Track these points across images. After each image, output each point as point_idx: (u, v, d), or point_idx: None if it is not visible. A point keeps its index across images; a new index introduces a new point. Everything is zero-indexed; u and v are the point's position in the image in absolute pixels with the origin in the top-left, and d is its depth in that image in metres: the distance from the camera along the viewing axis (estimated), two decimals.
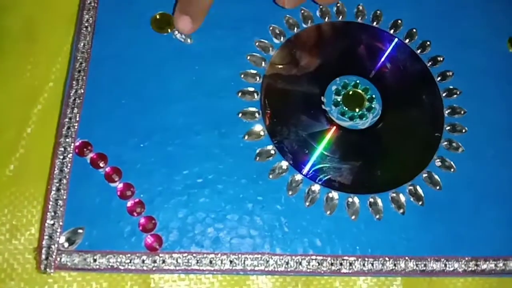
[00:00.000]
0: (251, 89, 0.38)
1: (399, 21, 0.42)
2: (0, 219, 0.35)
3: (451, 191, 0.37)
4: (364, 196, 0.36)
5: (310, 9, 0.42)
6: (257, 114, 0.38)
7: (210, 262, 0.33)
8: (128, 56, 0.38)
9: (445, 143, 0.39)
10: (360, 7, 0.43)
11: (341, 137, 0.38)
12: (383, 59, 0.41)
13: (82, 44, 0.38)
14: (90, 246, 0.33)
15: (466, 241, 0.36)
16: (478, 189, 0.37)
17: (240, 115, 0.38)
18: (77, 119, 0.36)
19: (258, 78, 0.39)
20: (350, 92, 0.40)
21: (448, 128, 0.39)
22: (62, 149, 0.35)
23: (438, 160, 0.38)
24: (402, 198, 0.36)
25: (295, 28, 0.41)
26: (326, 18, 0.42)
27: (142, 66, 0.38)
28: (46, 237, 0.33)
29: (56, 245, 0.32)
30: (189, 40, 0.39)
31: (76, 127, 0.35)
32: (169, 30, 0.39)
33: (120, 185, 0.34)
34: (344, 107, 0.39)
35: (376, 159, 0.38)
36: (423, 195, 0.37)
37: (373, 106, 0.39)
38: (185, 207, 0.34)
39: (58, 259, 0.32)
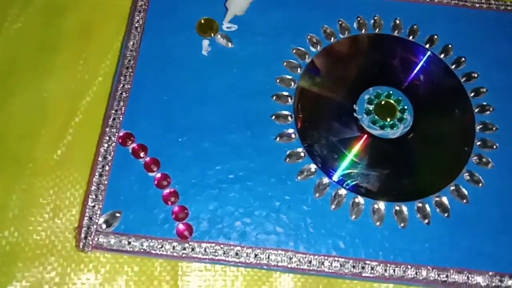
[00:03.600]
0: (286, 93, 0.40)
1: (435, 36, 0.43)
2: (45, 199, 0.38)
3: (478, 205, 0.37)
4: (390, 204, 0.37)
5: (348, 21, 0.43)
6: (289, 118, 0.39)
7: (236, 254, 0.35)
8: (173, 56, 0.41)
9: (475, 157, 0.39)
10: (398, 21, 0.44)
11: (370, 145, 0.39)
12: (416, 71, 0.42)
13: (131, 43, 0.41)
14: (125, 230, 0.35)
15: (491, 256, 0.36)
16: (506, 206, 0.37)
17: (273, 117, 0.39)
18: (123, 111, 0.38)
19: (292, 83, 0.41)
20: (383, 102, 0.41)
21: (479, 143, 0.39)
22: (107, 138, 0.37)
23: (466, 174, 0.38)
24: (428, 208, 0.37)
25: (332, 38, 0.43)
26: (363, 30, 0.43)
27: (185, 66, 0.41)
28: (86, 217, 0.35)
29: (95, 226, 0.35)
30: (230, 45, 0.42)
31: (121, 119, 0.38)
32: (212, 35, 0.42)
33: (157, 175, 0.37)
34: (376, 116, 0.40)
35: (404, 168, 0.39)
36: (449, 207, 0.37)
37: (404, 116, 0.40)
38: (216, 200, 0.36)
39: (96, 239, 0.35)
